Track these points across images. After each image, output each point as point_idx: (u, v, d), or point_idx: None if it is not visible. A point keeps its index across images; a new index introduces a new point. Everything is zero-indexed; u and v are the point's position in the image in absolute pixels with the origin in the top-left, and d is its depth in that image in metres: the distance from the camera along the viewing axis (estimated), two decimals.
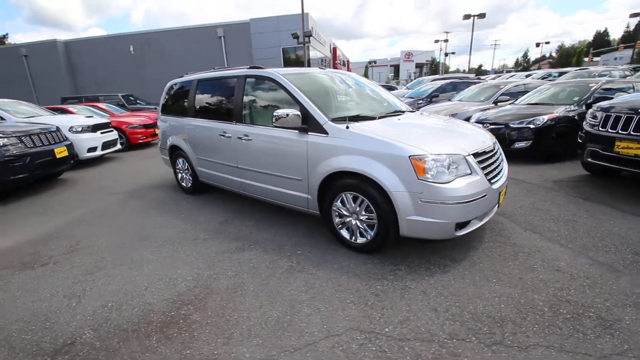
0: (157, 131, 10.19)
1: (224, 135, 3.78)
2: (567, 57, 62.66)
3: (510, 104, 6.91)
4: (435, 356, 1.79)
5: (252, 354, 1.87)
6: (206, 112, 4.19)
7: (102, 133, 7.52)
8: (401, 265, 2.68)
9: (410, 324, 2.04)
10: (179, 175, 4.98)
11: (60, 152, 5.57)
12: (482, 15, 25.44)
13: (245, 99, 3.63)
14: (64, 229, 3.83)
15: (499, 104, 7.36)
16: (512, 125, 5.62)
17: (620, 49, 49.93)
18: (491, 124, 5.82)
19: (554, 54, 75.94)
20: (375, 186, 2.61)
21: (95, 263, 3.00)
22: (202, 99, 4.25)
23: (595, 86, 5.89)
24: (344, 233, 2.99)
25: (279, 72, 3.38)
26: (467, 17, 26.09)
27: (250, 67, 3.73)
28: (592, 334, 1.88)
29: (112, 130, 7.99)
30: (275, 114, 2.94)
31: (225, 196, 4.63)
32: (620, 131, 3.83)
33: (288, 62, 21.64)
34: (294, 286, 2.49)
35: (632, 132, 3.70)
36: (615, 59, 48.38)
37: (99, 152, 7.34)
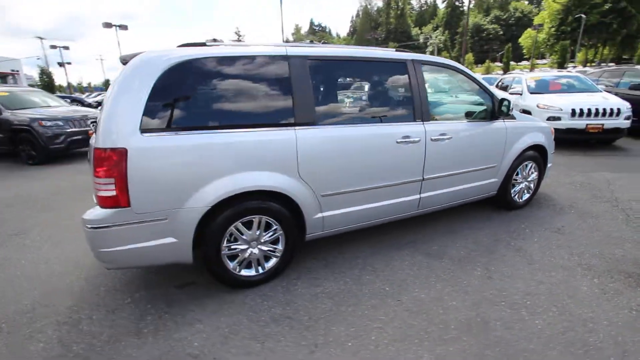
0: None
1: (404, 142, 2.69)
2: None
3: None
4: None
5: None
6: (342, 114, 2.59)
7: None
8: (565, 207, 3.79)
9: None
10: (227, 255, 2.26)
11: None
12: (124, 27, 24.27)
13: (427, 90, 2.85)
14: None
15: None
16: None
17: None
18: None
19: None
20: (540, 150, 3.66)
21: None
22: (331, 91, 2.56)
23: None
24: (516, 198, 3.66)
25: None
26: (108, 25, 23.63)
27: (398, 50, 2.94)
28: None
29: None
30: (511, 105, 3.01)
31: (318, 253, 2.92)
32: None
33: None
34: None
35: None
36: None
37: None
